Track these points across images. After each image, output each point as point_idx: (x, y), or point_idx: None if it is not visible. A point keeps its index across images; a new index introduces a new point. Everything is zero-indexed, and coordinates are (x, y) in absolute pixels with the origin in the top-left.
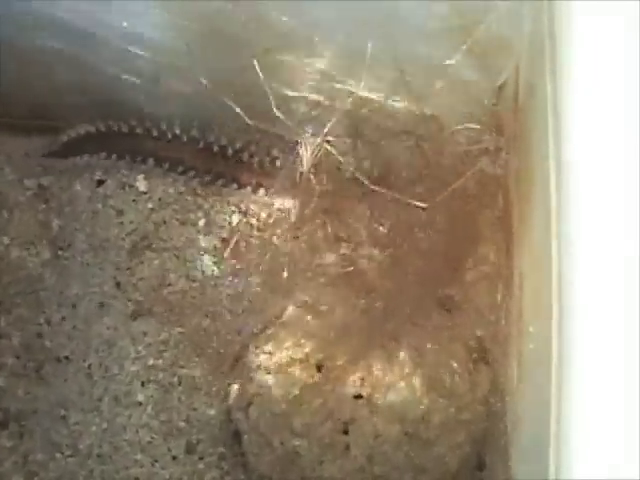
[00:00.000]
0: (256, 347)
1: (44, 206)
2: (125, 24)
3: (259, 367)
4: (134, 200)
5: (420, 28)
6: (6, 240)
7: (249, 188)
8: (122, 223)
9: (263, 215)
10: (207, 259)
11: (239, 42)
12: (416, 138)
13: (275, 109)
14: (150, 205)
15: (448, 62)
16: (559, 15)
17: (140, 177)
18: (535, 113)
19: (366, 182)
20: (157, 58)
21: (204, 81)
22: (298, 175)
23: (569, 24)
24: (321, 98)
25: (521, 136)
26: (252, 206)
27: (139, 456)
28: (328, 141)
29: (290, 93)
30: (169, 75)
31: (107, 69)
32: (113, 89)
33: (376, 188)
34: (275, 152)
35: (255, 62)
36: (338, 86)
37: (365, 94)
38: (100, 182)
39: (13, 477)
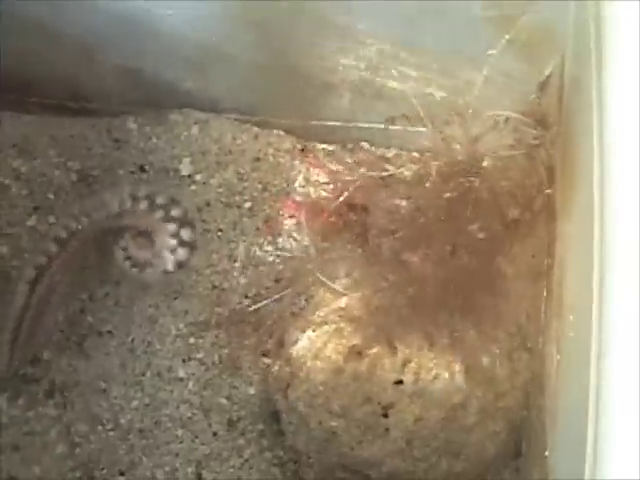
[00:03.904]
0: (297, 330)
1: (87, 190)
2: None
3: (299, 350)
4: (177, 184)
5: (463, 18)
6: (52, 219)
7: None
8: None
9: (314, 201)
10: (250, 241)
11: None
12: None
13: None
14: (193, 187)
15: (490, 52)
16: (604, 8)
17: (186, 161)
18: (580, 107)
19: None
20: (203, 44)
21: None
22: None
23: (615, 18)
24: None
25: (565, 130)
26: (298, 191)
27: (180, 431)
28: None
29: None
30: (216, 61)
31: (148, 54)
32: (154, 74)
33: None
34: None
35: None
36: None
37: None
38: (142, 167)
39: (58, 446)
